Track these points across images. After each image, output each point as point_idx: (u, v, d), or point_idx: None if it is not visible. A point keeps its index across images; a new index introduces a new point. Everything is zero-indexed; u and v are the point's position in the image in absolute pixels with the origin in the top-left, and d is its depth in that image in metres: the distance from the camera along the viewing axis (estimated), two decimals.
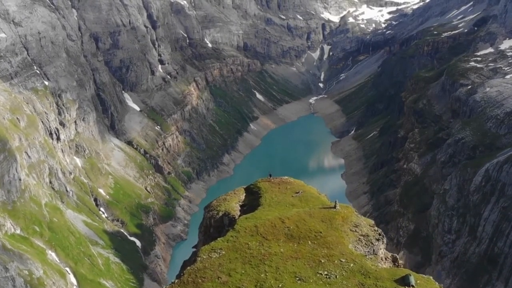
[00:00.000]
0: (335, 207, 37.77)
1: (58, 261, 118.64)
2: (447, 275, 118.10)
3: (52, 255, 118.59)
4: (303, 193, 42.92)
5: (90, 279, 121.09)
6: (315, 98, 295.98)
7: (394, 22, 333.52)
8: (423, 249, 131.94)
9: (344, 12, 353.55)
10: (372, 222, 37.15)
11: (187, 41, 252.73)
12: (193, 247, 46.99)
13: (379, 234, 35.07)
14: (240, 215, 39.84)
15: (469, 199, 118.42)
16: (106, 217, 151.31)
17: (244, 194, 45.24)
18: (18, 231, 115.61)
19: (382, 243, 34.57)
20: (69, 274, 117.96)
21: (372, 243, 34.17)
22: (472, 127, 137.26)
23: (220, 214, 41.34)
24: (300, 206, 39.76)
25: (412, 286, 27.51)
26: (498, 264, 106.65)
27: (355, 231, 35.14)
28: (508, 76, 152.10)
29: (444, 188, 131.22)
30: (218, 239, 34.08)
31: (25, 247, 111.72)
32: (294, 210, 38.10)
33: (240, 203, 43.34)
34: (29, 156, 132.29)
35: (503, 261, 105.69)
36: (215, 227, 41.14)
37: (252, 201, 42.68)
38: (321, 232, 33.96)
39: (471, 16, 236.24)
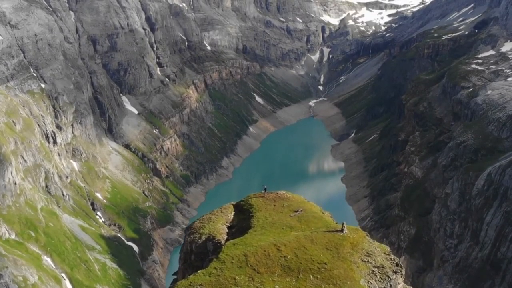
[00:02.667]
0: (342, 230, 32.21)
1: (54, 267, 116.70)
2: (449, 281, 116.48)
3: (47, 260, 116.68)
4: (303, 212, 36.88)
5: (86, 285, 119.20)
6: (314, 101, 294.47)
7: (394, 25, 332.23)
8: (425, 254, 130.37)
9: (344, 15, 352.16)
10: (388, 249, 31.54)
11: (186, 43, 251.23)
12: (173, 274, 41.58)
13: (397, 265, 29.72)
14: (227, 239, 33.94)
15: (471, 203, 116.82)
16: (103, 221, 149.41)
17: (233, 212, 39.03)
18: (13, 236, 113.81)
19: (401, 276, 29.51)
20: (65, 280, 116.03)
21: (389, 277, 28.64)
22: (473, 130, 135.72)
23: (203, 238, 34.92)
24: (300, 228, 33.94)
25: None
26: (501, 269, 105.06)
27: (368, 261, 29.38)
28: (510, 79, 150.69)
29: (446, 192, 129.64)
30: (199, 271, 28.86)
31: (20, 252, 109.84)
32: (293, 234, 32.35)
33: (228, 224, 37.23)
34: (24, 160, 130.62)
35: (506, 266, 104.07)
36: (197, 253, 34.99)
37: (242, 222, 36.66)
38: (325, 264, 28.69)
39: (472, 19, 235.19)
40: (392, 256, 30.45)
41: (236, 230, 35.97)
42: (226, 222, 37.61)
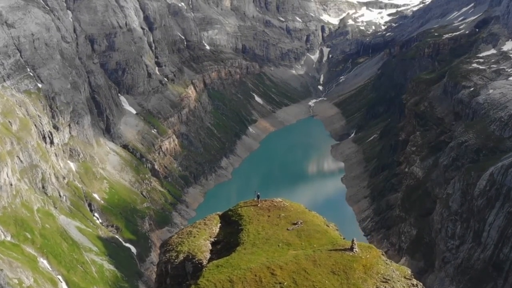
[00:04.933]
0: (352, 248, 26.62)
1: (50, 269, 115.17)
2: (451, 282, 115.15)
3: (43, 262, 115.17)
4: (303, 224, 30.79)
5: (83, 287, 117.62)
6: (314, 100, 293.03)
7: (394, 24, 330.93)
8: (426, 255, 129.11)
9: (344, 14, 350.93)
10: (409, 271, 25.89)
11: (185, 43, 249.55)
12: None
13: None
14: (210, 259, 28.23)
15: (473, 203, 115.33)
16: (100, 222, 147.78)
17: (219, 224, 32.93)
18: (8, 238, 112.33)
19: None
20: (61, 282, 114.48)
21: None
22: (475, 130, 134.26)
23: (181, 257, 28.88)
24: (299, 245, 28.22)
25: None
26: (503, 270, 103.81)
27: None
28: (511, 78, 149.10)
29: (447, 192, 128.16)
30: None
31: (16, 254, 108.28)
32: (290, 254, 26.65)
33: (212, 239, 31.29)
34: (21, 161, 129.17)
35: (509, 267, 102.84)
36: (173, 276, 29.10)
37: (229, 236, 30.72)
38: None
39: (472, 18, 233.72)
40: (415, 281, 25.09)
41: (222, 247, 30.31)
42: (210, 236, 31.80)
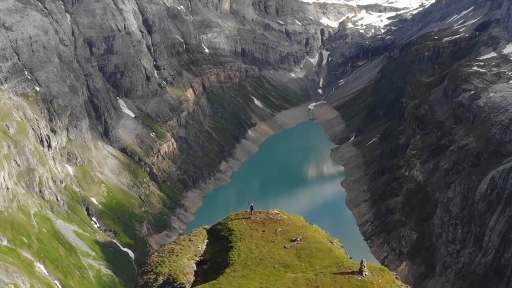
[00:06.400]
0: (361, 272, 22.75)
1: (47, 274, 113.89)
2: (452, 287, 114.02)
3: (40, 267, 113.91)
4: (303, 241, 26.53)
5: None
6: (314, 104, 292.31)
7: (393, 27, 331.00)
8: (426, 260, 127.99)
9: (343, 18, 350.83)
10: None
11: (184, 46, 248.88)
12: None
13: None
14: (194, 283, 23.81)
15: (474, 207, 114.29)
16: (98, 227, 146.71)
17: (206, 240, 28.42)
18: (5, 243, 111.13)
19: None
20: (58, 287, 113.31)
21: None
22: (476, 133, 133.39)
23: (160, 280, 24.46)
24: (299, 267, 23.87)
25: None
26: (505, 275, 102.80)
27: None
28: None
29: (448, 196, 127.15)
30: None
31: (12, 259, 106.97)
32: (288, 278, 22.67)
33: (198, 258, 26.68)
34: (18, 164, 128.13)
35: (510, 272, 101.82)
36: None
37: (217, 255, 26.23)
38: None
39: (472, 21, 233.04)
40: None
41: (208, 268, 25.94)
42: (195, 255, 27.34)
